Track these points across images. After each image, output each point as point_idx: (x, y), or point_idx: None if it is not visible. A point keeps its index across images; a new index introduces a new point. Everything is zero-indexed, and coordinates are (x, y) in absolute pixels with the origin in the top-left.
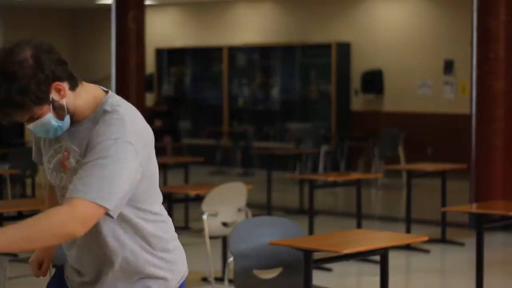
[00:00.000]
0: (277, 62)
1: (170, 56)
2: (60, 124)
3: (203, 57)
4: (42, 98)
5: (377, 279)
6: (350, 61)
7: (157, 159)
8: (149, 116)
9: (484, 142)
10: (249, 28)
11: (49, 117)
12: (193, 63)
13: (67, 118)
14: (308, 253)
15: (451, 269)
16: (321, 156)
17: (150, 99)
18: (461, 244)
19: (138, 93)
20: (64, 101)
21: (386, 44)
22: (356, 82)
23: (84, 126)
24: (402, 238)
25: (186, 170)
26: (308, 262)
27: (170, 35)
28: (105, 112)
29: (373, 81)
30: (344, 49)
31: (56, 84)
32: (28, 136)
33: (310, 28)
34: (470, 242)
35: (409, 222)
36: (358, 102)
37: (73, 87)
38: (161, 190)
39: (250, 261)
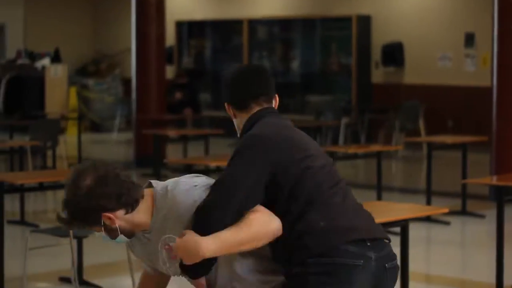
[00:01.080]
0: (297, 35)
1: (190, 29)
2: (115, 241)
3: (223, 29)
4: (89, 224)
5: (397, 251)
6: (371, 33)
7: (177, 130)
8: (170, 88)
9: (505, 114)
10: (269, 0)
11: (103, 235)
12: (213, 36)
13: (121, 236)
14: None
15: (471, 241)
16: (341, 129)
17: (170, 71)
18: (482, 216)
19: (158, 65)
20: (115, 226)
21: (406, 17)
22: (376, 54)
23: (156, 224)
24: (422, 210)
25: (206, 142)
26: None
27: (190, 7)
28: (164, 195)
29: (394, 54)
30: (365, 21)
31: (104, 214)
32: (49, 108)
33: (331, 1)
34: (491, 214)
35: (429, 194)
36: (379, 75)
37: (128, 211)
38: (182, 162)
39: None
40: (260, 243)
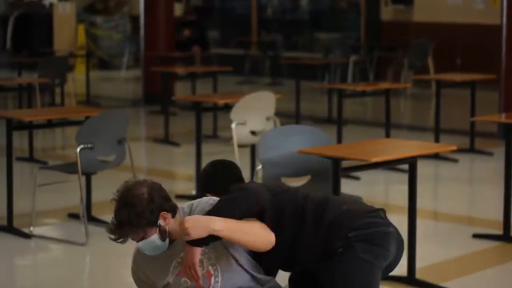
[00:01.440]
0: None
1: None
2: (162, 244)
3: None
4: (152, 222)
5: (405, 188)
6: None
7: (186, 68)
8: (178, 25)
9: None
10: None
11: (155, 237)
12: None
13: (167, 241)
14: (336, 161)
15: (479, 178)
16: (350, 66)
17: (178, 8)
18: (490, 154)
19: (167, 2)
20: (167, 227)
21: None
22: None
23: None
24: (430, 147)
25: (214, 80)
26: (336, 170)
27: None
28: (189, 212)
29: None
30: None
31: (163, 213)
32: (57, 45)
33: None
34: (499, 151)
35: (437, 132)
36: (388, 12)
37: (174, 215)
38: (190, 99)
39: (279, 169)
40: (258, 243)
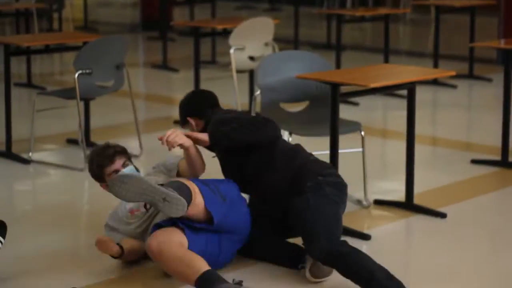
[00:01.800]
0: None
1: None
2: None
3: None
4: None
5: (404, 114)
6: None
7: None
8: None
9: None
10: None
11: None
12: None
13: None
14: (335, 86)
15: (478, 104)
16: None
17: None
18: (489, 80)
19: None
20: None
21: None
22: None
23: None
24: (429, 72)
25: (213, 5)
26: (335, 95)
27: None
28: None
29: None
30: None
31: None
32: None
33: None
34: (498, 77)
35: (436, 58)
36: None
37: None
38: (188, 24)
39: (277, 95)
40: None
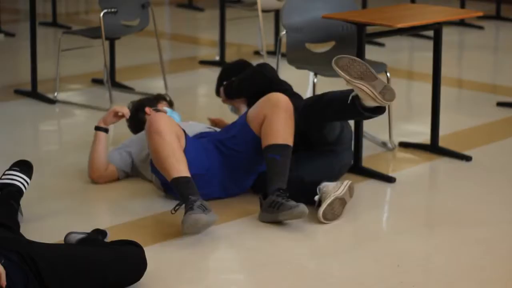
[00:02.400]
0: None
1: None
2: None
3: None
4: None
5: (430, 55)
6: None
7: None
8: None
9: None
10: None
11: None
12: None
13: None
14: (361, 26)
15: (504, 45)
16: None
17: None
18: None
19: None
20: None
21: None
22: None
23: None
24: (456, 13)
25: None
26: (361, 36)
27: None
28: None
29: None
30: None
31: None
32: None
33: None
34: None
35: None
36: None
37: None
38: None
39: (303, 35)
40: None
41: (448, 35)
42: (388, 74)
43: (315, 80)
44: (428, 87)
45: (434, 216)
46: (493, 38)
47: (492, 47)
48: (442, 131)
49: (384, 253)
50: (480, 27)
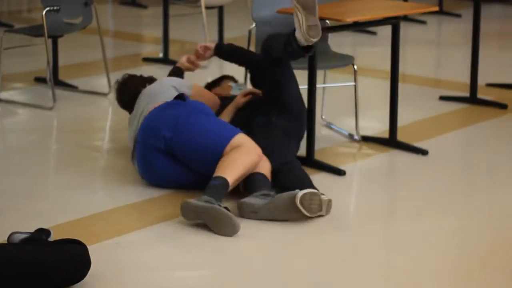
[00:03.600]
0: None
1: None
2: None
3: None
4: None
5: (372, 50)
6: None
7: None
8: None
9: None
10: None
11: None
12: None
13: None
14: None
15: (447, 40)
16: None
17: None
18: (458, 16)
19: None
20: None
21: None
22: None
23: None
24: (412, 7)
25: None
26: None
27: None
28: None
29: None
30: None
31: None
32: None
33: None
34: (467, 13)
35: None
36: None
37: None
38: None
39: (272, 28)
40: None
41: (390, 29)
42: (355, 67)
43: None
44: (369, 80)
45: (378, 210)
46: (436, 33)
47: (435, 41)
48: (385, 125)
49: (329, 247)
50: (423, 22)
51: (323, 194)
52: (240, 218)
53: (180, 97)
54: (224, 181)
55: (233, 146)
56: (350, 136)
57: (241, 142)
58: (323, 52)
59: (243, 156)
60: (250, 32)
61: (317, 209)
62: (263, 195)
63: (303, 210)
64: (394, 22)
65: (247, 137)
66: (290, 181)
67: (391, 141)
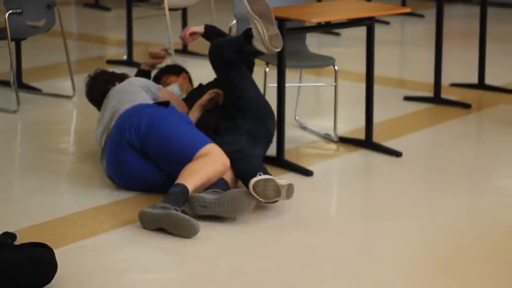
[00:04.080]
0: None
1: None
2: None
3: None
4: None
5: (337, 51)
6: None
7: None
8: None
9: None
10: None
11: None
12: None
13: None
14: (281, 21)
15: (410, 40)
16: None
17: None
18: (421, 16)
19: None
20: None
21: None
22: None
23: None
24: (385, 8)
25: None
26: (281, 30)
27: None
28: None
29: None
30: None
31: None
32: None
33: None
34: (430, 13)
35: None
36: None
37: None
38: None
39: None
40: None
41: (355, 31)
42: (336, 68)
43: (267, 70)
44: (330, 81)
45: (345, 210)
46: (399, 33)
47: (399, 42)
48: (352, 125)
49: (295, 248)
50: (386, 22)
51: (281, 179)
52: (202, 221)
53: (165, 104)
54: (184, 189)
55: (202, 153)
56: (327, 136)
57: (210, 151)
58: (301, 52)
59: (208, 165)
60: (230, 28)
61: (273, 194)
62: (214, 191)
63: (257, 197)
64: (369, 24)
65: (217, 148)
66: (243, 168)
67: (366, 142)
